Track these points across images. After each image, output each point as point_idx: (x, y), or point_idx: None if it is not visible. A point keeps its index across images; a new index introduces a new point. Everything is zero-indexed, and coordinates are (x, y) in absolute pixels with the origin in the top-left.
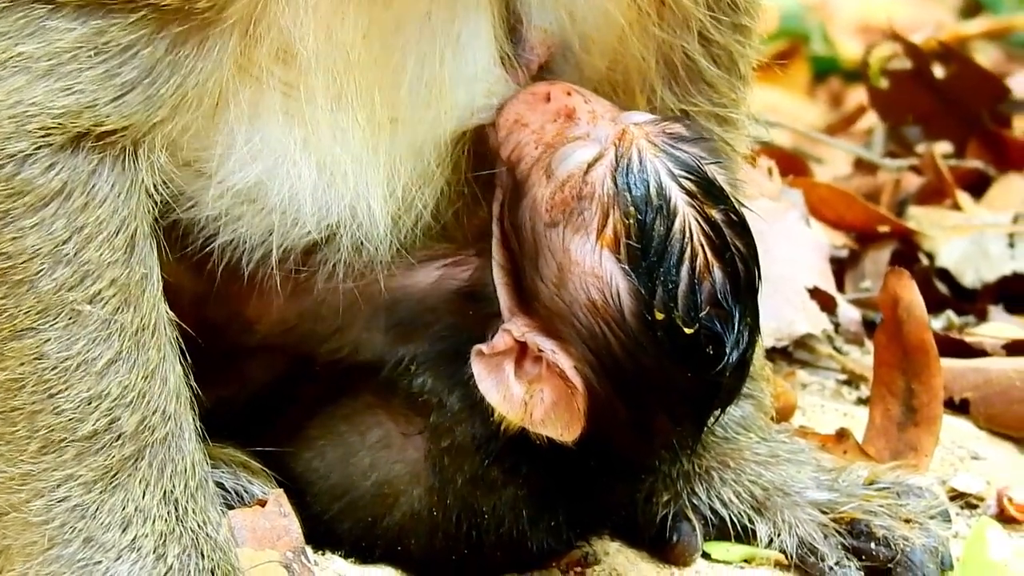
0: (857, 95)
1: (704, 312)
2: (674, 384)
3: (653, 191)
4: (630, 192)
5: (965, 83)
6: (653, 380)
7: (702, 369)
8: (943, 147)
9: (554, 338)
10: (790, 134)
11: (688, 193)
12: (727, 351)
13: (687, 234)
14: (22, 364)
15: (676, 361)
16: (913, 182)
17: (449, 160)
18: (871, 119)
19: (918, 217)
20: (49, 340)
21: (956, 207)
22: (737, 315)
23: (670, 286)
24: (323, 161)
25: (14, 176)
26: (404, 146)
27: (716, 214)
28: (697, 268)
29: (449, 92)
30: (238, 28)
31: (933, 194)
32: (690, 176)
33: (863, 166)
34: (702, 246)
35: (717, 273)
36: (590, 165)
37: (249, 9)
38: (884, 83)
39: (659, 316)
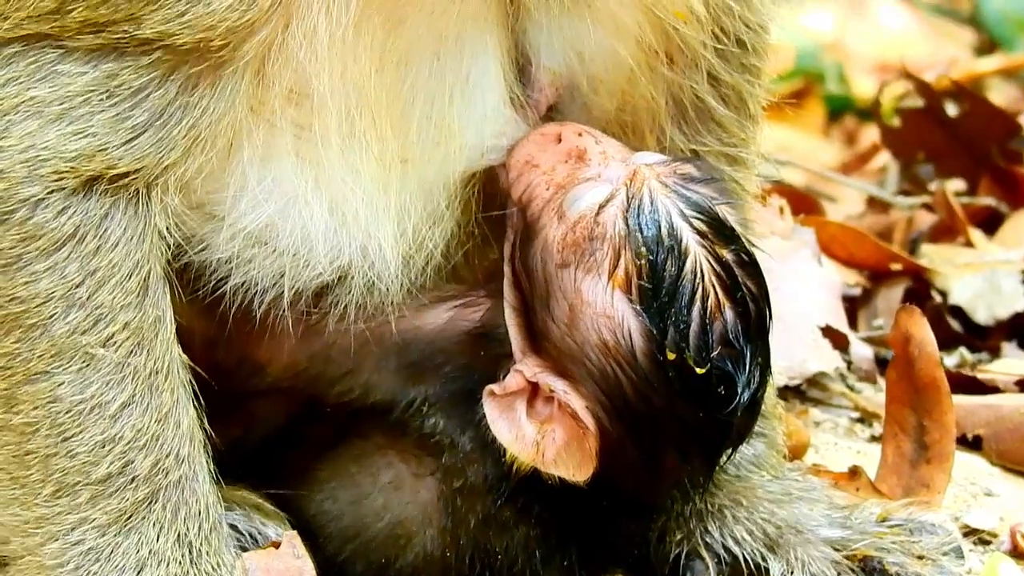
0: (872, 133)
1: (715, 352)
2: (686, 424)
3: (664, 232)
4: (641, 233)
5: (977, 121)
6: (665, 420)
7: (714, 409)
8: (955, 185)
9: (566, 378)
10: (803, 173)
11: (699, 233)
12: (739, 391)
13: (698, 274)
14: (36, 408)
15: (688, 401)
16: (926, 220)
17: (459, 200)
18: (885, 157)
19: (931, 255)
20: (63, 384)
21: (969, 244)
22: (748, 355)
23: (682, 326)
24: (334, 202)
25: (27, 220)
26: (414, 186)
27: (727, 254)
28: (708, 308)
29: (459, 132)
30: (250, 68)
31: (945, 231)
32: (701, 217)
33: (876, 204)
34: (713, 286)
35: (728, 313)
36: (601, 206)
37: (264, 47)
38: (896, 121)
39: (671, 356)
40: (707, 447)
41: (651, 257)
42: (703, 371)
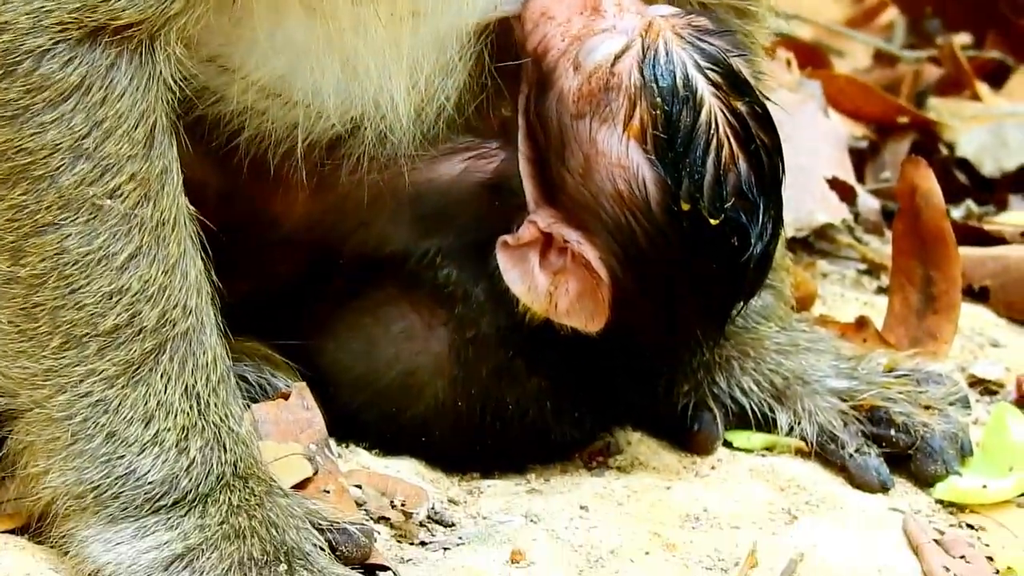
0: None
1: (729, 203)
2: (698, 275)
3: (679, 82)
4: (657, 83)
5: None
6: (677, 271)
7: (726, 260)
8: (962, 38)
9: (579, 229)
10: (811, 27)
11: (714, 85)
12: (751, 242)
13: (713, 125)
14: (43, 260)
15: (700, 252)
16: (933, 73)
17: (472, 52)
18: (892, 13)
19: (937, 108)
20: (70, 235)
21: (975, 97)
22: (762, 207)
23: (696, 177)
24: (345, 55)
25: (33, 71)
26: (426, 39)
27: (741, 106)
28: (723, 159)
29: None
30: None
31: (952, 85)
32: (716, 68)
33: (883, 58)
34: (727, 137)
35: (742, 165)
36: (617, 57)
37: None
38: None
39: (684, 207)
40: (718, 299)
41: (666, 108)
42: (716, 222)
